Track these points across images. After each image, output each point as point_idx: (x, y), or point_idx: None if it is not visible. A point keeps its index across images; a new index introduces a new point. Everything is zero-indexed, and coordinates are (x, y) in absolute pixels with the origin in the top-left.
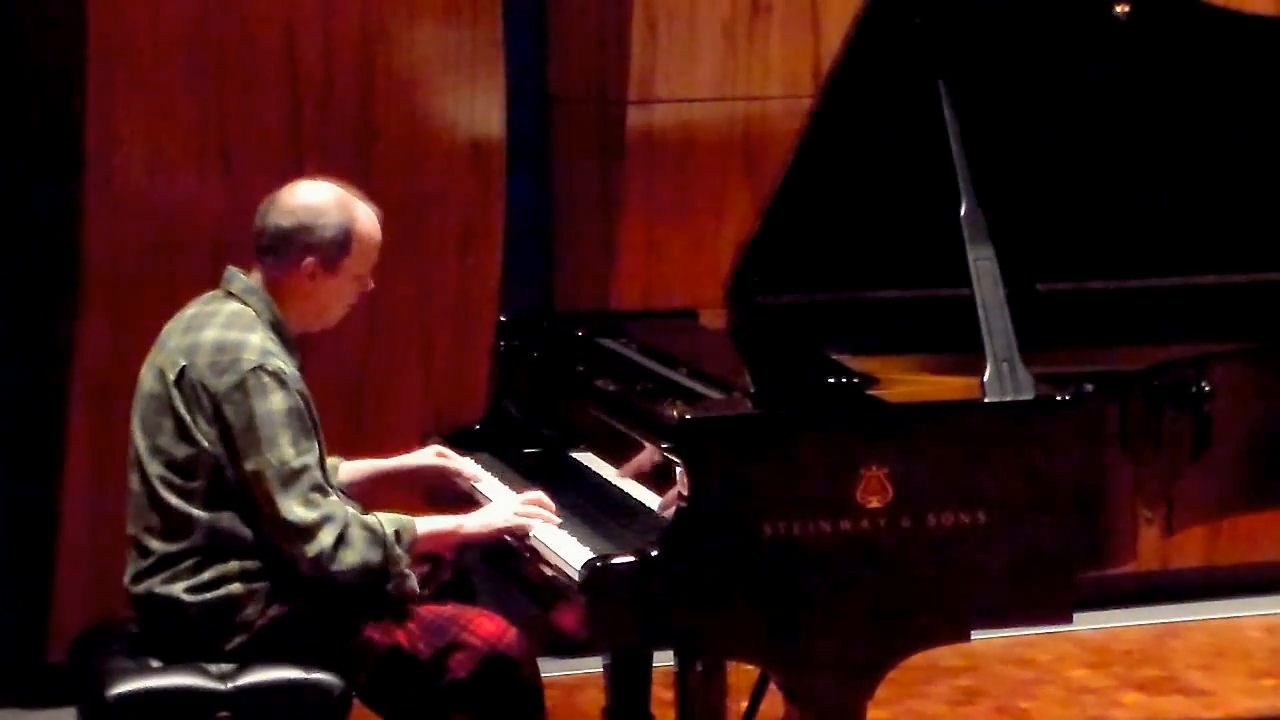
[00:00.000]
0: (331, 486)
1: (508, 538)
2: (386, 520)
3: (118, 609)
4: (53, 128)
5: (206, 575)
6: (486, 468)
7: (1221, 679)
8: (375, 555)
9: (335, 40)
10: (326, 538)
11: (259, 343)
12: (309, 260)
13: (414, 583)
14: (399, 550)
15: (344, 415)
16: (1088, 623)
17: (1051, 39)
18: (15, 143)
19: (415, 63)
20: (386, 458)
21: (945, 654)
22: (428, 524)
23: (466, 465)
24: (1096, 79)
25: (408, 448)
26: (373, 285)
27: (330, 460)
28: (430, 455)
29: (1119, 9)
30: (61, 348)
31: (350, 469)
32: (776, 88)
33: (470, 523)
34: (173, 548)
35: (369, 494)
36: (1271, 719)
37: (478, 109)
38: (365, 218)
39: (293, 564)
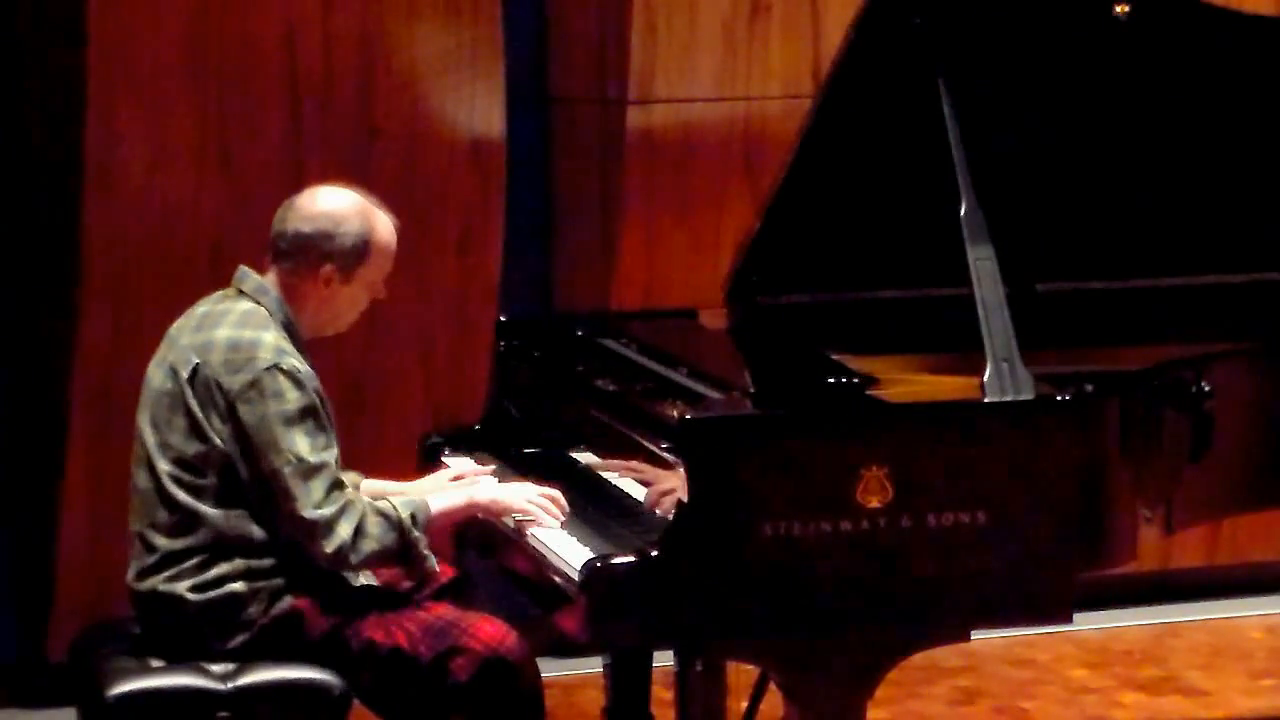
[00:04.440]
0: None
1: (508, 520)
2: (400, 505)
3: (118, 609)
4: (53, 128)
5: (211, 573)
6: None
7: (1221, 679)
8: (392, 541)
9: (335, 40)
10: (345, 530)
11: (273, 341)
12: (327, 268)
13: (433, 563)
14: (416, 533)
15: (344, 415)
16: (1088, 623)
17: (1051, 39)
18: (15, 142)
19: (415, 63)
20: (405, 482)
21: (945, 654)
22: (439, 501)
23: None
24: (1096, 79)
25: (407, 448)
26: (384, 294)
27: (350, 476)
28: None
29: (1119, 9)
30: (61, 348)
31: (369, 489)
32: (776, 88)
33: (481, 495)
34: (178, 544)
35: None
36: (1271, 719)
37: (478, 109)
38: (384, 227)
39: (306, 561)
